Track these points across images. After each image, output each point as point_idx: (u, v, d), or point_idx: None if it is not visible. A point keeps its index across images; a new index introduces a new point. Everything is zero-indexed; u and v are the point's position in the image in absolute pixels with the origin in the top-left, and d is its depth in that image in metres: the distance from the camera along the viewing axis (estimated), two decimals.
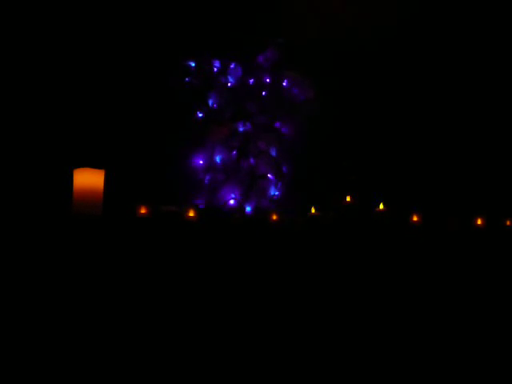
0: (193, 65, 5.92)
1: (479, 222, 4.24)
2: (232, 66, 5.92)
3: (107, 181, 3.84)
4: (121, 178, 4.70)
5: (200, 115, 5.77)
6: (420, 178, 5.59)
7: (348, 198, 4.36)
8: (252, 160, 5.71)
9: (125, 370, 3.32)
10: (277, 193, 5.62)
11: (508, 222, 4.29)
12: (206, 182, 5.59)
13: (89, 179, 3.77)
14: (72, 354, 3.26)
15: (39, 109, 5.31)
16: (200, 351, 3.48)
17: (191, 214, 4.23)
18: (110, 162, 4.42)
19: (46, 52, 5.41)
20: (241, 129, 5.78)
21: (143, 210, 4.12)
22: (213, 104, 5.78)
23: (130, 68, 5.59)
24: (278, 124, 5.80)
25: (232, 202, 5.49)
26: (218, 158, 5.62)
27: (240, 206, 5.45)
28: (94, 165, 3.82)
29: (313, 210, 4.43)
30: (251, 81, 5.94)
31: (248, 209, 5.53)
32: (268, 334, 3.60)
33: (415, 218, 4.22)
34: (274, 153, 5.68)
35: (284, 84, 5.96)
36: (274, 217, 4.25)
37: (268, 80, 5.95)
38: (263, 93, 5.92)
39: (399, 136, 5.75)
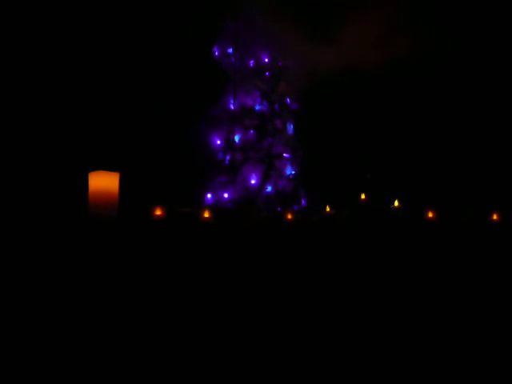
0: None
1: (494, 216, 4.24)
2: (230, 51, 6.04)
3: (122, 183, 3.80)
4: (136, 180, 4.68)
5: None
6: (433, 176, 5.61)
7: (363, 196, 4.36)
8: (270, 139, 5.79)
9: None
10: (293, 172, 5.68)
11: None
12: (227, 162, 5.68)
13: (104, 182, 3.73)
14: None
15: (54, 113, 5.28)
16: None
17: (206, 214, 4.22)
18: (124, 163, 4.38)
19: (60, 50, 5.41)
20: (257, 107, 5.82)
21: (158, 212, 4.09)
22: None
23: (136, 68, 5.60)
24: (288, 100, 5.86)
25: (253, 182, 5.56)
26: (236, 138, 5.70)
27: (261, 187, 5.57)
28: (108, 167, 3.78)
29: (327, 208, 4.43)
30: (251, 62, 6.01)
31: (269, 188, 5.59)
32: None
33: (430, 215, 4.22)
34: (289, 131, 5.79)
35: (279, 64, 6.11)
36: (289, 216, 4.25)
37: (267, 60, 6.03)
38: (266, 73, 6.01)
39: (412, 135, 5.78)
